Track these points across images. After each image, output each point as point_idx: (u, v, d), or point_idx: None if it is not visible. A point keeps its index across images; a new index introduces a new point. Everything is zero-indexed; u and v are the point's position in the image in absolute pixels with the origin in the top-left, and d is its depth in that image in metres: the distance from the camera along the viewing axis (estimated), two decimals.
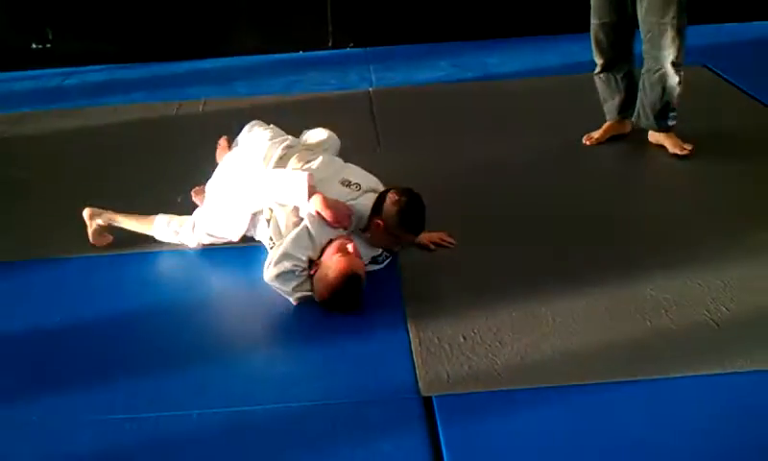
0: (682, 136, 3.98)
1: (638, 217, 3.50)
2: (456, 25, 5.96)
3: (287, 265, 2.88)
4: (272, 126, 3.49)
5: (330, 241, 2.94)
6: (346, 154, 3.45)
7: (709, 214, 3.48)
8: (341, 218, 2.97)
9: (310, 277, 2.91)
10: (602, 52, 4.03)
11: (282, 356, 2.75)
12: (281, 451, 2.33)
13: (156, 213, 3.34)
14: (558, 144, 4.21)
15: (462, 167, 4.00)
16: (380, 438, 2.34)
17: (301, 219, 2.98)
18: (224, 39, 5.97)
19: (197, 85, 5.36)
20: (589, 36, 4.07)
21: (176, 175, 3.94)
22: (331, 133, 3.53)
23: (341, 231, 2.98)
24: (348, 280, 2.81)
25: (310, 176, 3.01)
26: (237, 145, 3.46)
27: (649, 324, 2.77)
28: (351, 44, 6.00)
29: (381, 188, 3.15)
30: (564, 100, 4.77)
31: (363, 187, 3.12)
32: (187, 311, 2.98)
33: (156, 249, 3.35)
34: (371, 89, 5.16)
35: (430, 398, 2.48)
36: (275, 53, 5.90)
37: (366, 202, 3.07)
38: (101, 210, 3.35)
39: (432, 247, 3.25)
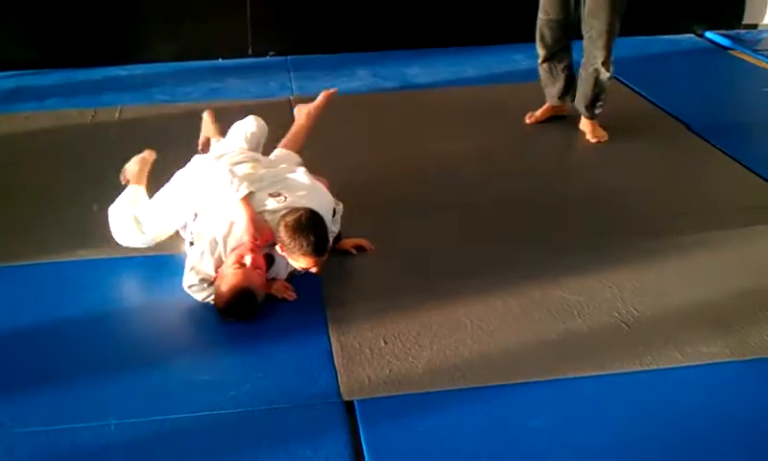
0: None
1: (552, 218, 3.61)
2: (375, 35, 6.02)
3: (195, 279, 2.93)
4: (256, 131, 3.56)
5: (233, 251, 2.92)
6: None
7: (621, 216, 3.62)
8: (260, 237, 2.92)
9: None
10: (545, 45, 4.43)
11: (203, 364, 2.72)
12: (202, 460, 2.31)
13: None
14: (476, 152, 4.31)
15: (381, 173, 4.05)
16: (302, 444, 2.35)
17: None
18: (141, 46, 5.86)
19: (113, 92, 5.24)
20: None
21: (92, 182, 3.86)
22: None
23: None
24: (239, 295, 2.81)
25: (249, 194, 2.97)
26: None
27: (562, 325, 2.86)
28: (271, 53, 5.98)
29: (317, 205, 3.01)
30: (483, 109, 4.88)
31: (288, 202, 3.01)
32: (105, 320, 2.93)
33: (76, 258, 3.29)
34: (291, 97, 5.16)
35: (352, 402, 2.50)
36: (194, 60, 5.84)
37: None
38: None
39: (354, 252, 3.28)
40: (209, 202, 3.06)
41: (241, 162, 3.22)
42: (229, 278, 2.84)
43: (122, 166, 3.55)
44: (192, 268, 2.93)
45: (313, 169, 3.33)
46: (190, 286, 2.95)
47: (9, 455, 2.32)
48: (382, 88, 5.34)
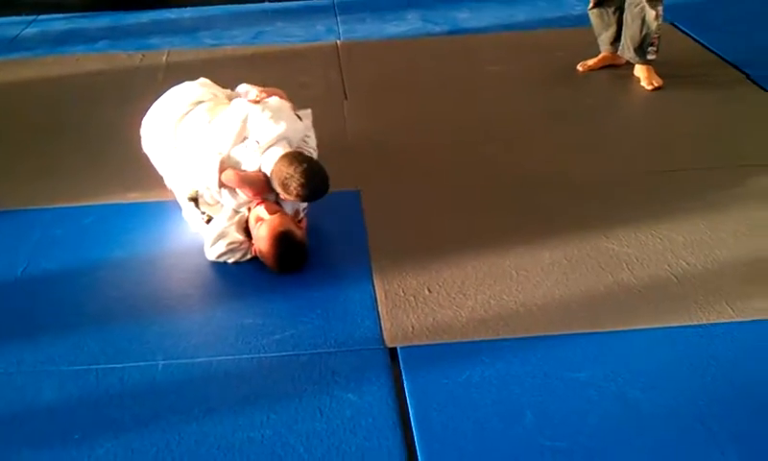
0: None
1: (601, 169, 3.52)
2: None
3: (223, 247, 2.92)
4: (201, 80, 3.35)
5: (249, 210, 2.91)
6: (312, 106, 3.34)
7: (673, 167, 3.52)
8: (259, 190, 2.89)
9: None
10: None
11: (248, 308, 2.74)
12: (247, 401, 2.34)
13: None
14: (524, 100, 4.23)
15: (428, 120, 4.00)
16: (345, 388, 2.37)
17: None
18: None
19: (161, 35, 5.25)
20: None
21: (139, 127, 3.87)
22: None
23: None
24: (279, 241, 2.80)
25: (222, 162, 2.88)
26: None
27: (610, 277, 2.81)
28: None
29: (288, 133, 2.95)
30: (533, 55, 4.77)
31: (262, 144, 2.90)
32: (150, 263, 2.97)
33: (121, 200, 3.32)
34: (338, 42, 5.10)
35: (395, 349, 2.51)
36: (241, 3, 5.80)
37: (266, 162, 2.88)
38: None
39: None
40: (200, 184, 2.96)
41: (194, 111, 3.09)
42: (262, 236, 2.83)
43: None
44: (219, 236, 2.92)
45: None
46: (219, 255, 2.93)
47: (60, 392, 2.38)
48: (431, 33, 5.25)
